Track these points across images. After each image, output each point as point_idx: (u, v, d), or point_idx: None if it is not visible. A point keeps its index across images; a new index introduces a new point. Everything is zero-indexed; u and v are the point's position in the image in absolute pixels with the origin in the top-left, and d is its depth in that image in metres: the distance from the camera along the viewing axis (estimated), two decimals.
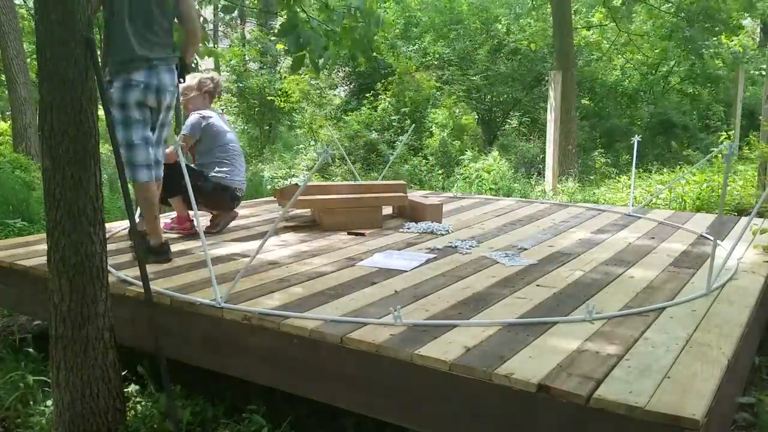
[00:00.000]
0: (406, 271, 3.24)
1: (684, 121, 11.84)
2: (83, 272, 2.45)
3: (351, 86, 15.06)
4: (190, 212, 4.17)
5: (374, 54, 12.33)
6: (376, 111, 11.91)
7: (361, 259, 3.49)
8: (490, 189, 8.42)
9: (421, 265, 3.37)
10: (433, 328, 2.39)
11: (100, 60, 2.88)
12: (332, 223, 4.35)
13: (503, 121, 13.84)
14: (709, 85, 13.16)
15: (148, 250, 3.42)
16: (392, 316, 2.46)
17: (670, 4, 12.50)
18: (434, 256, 3.57)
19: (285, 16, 4.04)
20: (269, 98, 11.20)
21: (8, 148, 9.85)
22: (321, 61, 4.07)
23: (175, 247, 3.82)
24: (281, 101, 11.61)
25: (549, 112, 8.74)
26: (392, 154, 8.74)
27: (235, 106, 12.24)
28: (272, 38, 13.12)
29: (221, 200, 4.28)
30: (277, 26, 13.87)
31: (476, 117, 11.65)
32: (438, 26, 14.39)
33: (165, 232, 3.80)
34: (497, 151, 9.83)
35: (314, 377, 2.41)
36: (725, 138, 8.35)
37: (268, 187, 8.60)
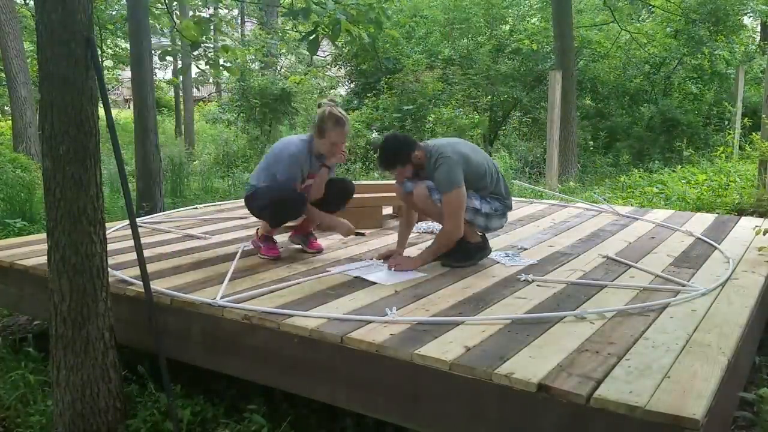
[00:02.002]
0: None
1: (687, 119, 11.83)
2: (83, 272, 2.45)
3: (353, 85, 15.09)
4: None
5: (378, 54, 12.35)
6: (377, 110, 11.92)
7: (362, 260, 3.49)
8: None
9: (400, 282, 3.05)
10: (434, 327, 2.39)
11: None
12: None
13: (504, 120, 13.85)
14: (713, 84, 13.15)
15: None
16: (390, 316, 2.47)
17: (677, 4, 12.50)
18: (423, 274, 3.19)
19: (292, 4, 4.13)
20: (276, 93, 11.19)
21: (8, 147, 9.86)
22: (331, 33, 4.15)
23: (174, 247, 3.83)
24: (293, 97, 11.58)
25: (549, 111, 8.73)
26: None
27: (236, 105, 12.26)
28: (273, 38, 13.11)
29: None
30: (279, 22, 13.88)
31: (477, 117, 11.66)
32: (442, 24, 14.40)
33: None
34: (503, 151, 9.83)
35: (314, 377, 2.41)
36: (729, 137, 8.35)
37: None
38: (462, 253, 3.34)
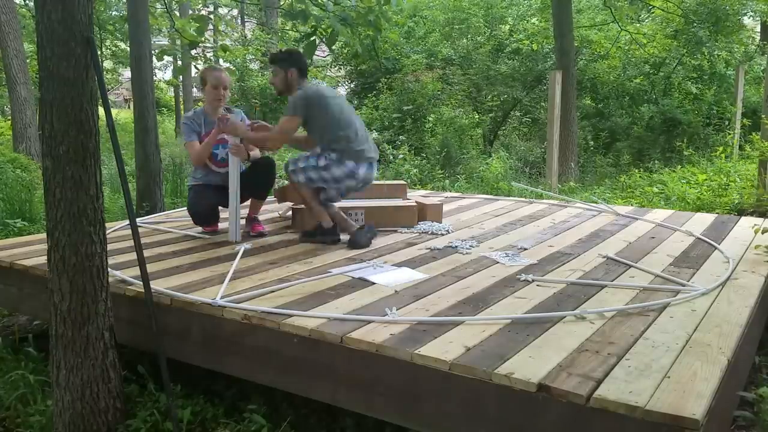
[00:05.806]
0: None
1: (687, 119, 11.84)
2: (83, 272, 2.45)
3: (352, 85, 15.09)
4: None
5: (378, 54, 12.36)
6: (377, 110, 11.92)
7: (362, 260, 3.49)
8: (493, 189, 8.41)
9: (400, 282, 3.04)
10: (434, 327, 2.39)
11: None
12: None
13: (504, 120, 13.84)
14: (713, 84, 13.16)
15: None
16: (389, 316, 2.46)
17: (677, 4, 12.50)
18: (424, 275, 3.17)
19: (289, 5, 4.11)
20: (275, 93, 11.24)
21: (8, 147, 9.86)
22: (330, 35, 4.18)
23: (174, 247, 3.83)
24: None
25: (549, 111, 8.73)
26: (393, 154, 8.73)
27: (236, 105, 12.28)
28: (272, 38, 13.12)
29: None
30: (279, 22, 13.89)
31: (476, 117, 11.66)
32: (441, 25, 14.40)
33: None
34: (502, 151, 9.82)
35: (314, 377, 2.41)
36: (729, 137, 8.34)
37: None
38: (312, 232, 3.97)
